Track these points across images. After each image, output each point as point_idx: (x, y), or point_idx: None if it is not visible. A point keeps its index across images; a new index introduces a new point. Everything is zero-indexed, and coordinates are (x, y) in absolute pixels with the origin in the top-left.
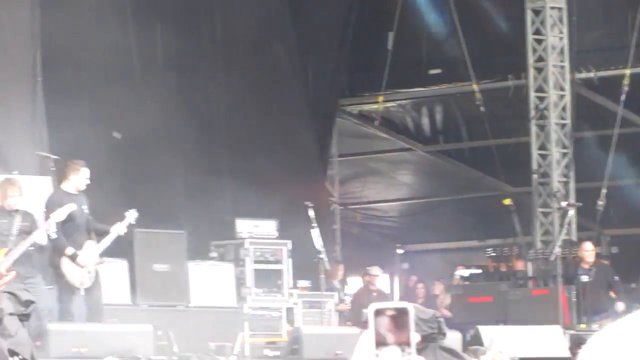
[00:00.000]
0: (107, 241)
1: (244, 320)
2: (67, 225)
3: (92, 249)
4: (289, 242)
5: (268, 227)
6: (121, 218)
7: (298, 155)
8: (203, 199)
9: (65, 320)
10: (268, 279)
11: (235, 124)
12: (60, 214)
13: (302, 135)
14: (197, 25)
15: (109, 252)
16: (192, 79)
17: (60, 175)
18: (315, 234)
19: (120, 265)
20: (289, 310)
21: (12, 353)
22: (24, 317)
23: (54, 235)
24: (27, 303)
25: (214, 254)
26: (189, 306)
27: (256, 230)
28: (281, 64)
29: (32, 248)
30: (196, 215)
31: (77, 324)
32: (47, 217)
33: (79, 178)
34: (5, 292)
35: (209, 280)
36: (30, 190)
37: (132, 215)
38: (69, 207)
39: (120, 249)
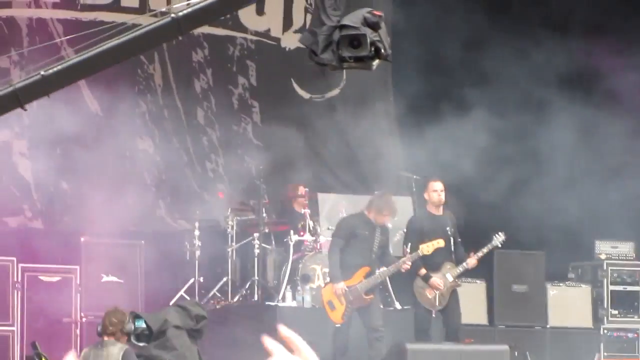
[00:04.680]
0: (465, 266)
1: (600, 341)
2: None
3: (449, 271)
4: None
5: (626, 248)
6: (489, 239)
7: None
8: (563, 219)
9: (421, 340)
10: (625, 300)
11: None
12: (428, 249)
13: None
14: None
15: (468, 273)
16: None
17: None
18: None
19: (478, 286)
20: None
21: None
22: (194, 333)
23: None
24: (198, 318)
25: (571, 275)
26: (546, 327)
27: (614, 251)
28: None
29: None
30: (555, 235)
31: (434, 344)
32: (407, 239)
33: (430, 194)
34: (176, 305)
35: (567, 301)
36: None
37: (499, 238)
38: (437, 244)
39: (480, 269)
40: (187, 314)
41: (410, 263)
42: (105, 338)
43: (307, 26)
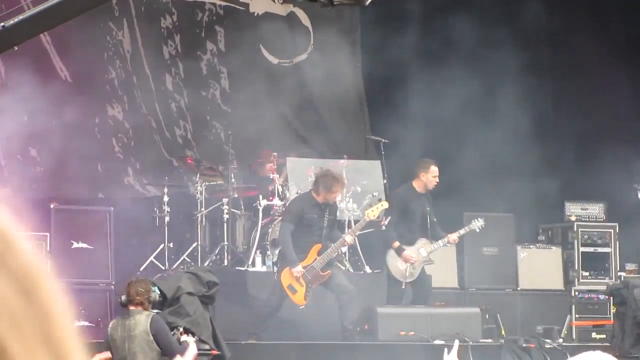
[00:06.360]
0: (439, 244)
1: (571, 303)
2: (406, 220)
3: (423, 246)
4: (617, 225)
5: (596, 209)
6: (466, 222)
7: (628, 138)
8: (532, 181)
9: (392, 303)
10: (595, 262)
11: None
12: (374, 213)
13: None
14: None
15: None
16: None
17: (413, 173)
18: None
19: (448, 249)
20: None
21: (188, 332)
22: (206, 299)
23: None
24: (210, 284)
25: (541, 237)
26: (517, 289)
27: (584, 213)
28: None
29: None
30: (525, 197)
31: (405, 308)
32: (388, 212)
33: (428, 177)
34: (187, 272)
35: (537, 264)
36: (361, 174)
37: (477, 223)
38: (382, 206)
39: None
40: (199, 280)
41: (359, 229)
42: (131, 307)
43: None
